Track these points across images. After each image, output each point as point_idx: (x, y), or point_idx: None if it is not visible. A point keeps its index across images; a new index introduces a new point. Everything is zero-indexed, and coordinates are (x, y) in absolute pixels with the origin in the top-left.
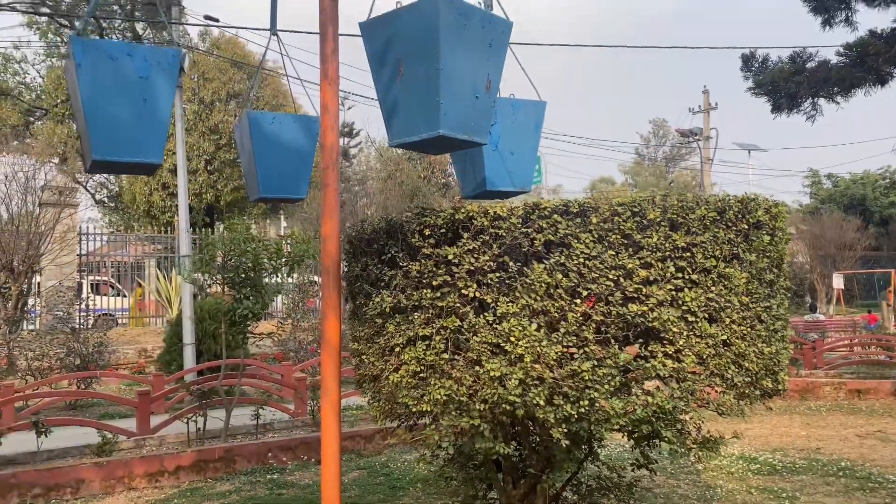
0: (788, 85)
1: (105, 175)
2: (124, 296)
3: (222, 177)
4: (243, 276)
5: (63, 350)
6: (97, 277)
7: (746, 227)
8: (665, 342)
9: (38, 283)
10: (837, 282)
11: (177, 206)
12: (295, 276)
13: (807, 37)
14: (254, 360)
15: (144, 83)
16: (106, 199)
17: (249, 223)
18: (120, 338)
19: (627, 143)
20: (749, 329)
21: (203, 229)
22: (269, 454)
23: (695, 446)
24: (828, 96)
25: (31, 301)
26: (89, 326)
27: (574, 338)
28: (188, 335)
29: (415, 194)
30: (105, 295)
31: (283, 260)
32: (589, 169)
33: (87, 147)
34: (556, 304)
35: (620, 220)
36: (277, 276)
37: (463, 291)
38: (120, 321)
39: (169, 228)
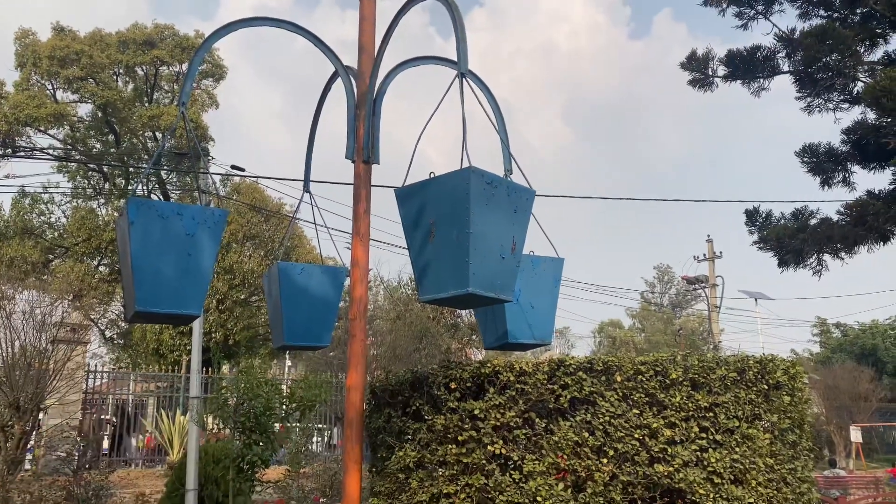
0: (793, 242)
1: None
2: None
3: (233, 316)
4: (254, 420)
5: (62, 493)
6: (99, 417)
7: (766, 387)
8: None
9: (40, 422)
10: (855, 435)
11: (186, 344)
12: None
13: (809, 190)
14: None
15: (191, 240)
16: (115, 337)
17: (264, 366)
18: (120, 481)
19: (632, 290)
20: (775, 492)
21: (218, 369)
22: None
23: None
24: (832, 253)
25: (32, 440)
26: (87, 467)
27: (601, 498)
28: (192, 480)
29: (424, 335)
30: (105, 434)
31: (295, 405)
32: (594, 312)
33: (131, 299)
34: (583, 463)
35: (644, 378)
36: (288, 422)
37: (489, 447)
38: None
39: (176, 367)
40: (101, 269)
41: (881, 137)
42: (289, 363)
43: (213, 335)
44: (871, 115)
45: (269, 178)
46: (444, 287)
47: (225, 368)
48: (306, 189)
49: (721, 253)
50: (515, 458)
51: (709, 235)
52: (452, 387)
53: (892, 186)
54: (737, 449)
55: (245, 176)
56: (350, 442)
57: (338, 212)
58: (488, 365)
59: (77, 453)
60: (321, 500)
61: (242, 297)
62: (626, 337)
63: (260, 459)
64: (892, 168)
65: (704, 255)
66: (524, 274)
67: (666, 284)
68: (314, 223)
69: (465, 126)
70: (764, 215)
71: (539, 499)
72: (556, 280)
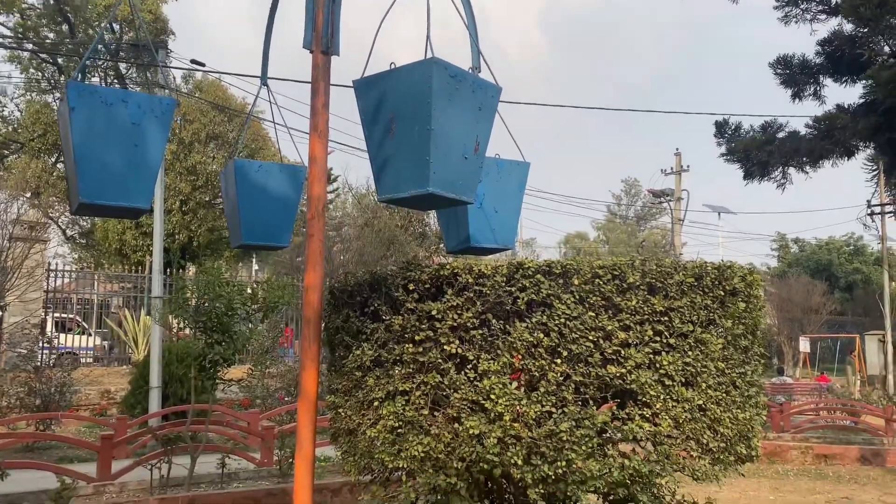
0: (760, 154)
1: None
2: (90, 334)
3: (197, 217)
4: (216, 320)
5: (24, 389)
6: (62, 315)
7: (723, 293)
8: (642, 405)
9: (1, 319)
10: (804, 345)
11: (149, 245)
12: (266, 321)
13: (780, 104)
14: (220, 407)
15: (137, 129)
16: (77, 236)
17: (223, 266)
18: (83, 378)
19: (600, 202)
20: (724, 394)
21: (178, 271)
22: None
23: None
24: (797, 166)
25: None
26: (52, 365)
27: (553, 397)
28: (155, 378)
29: (391, 243)
30: (70, 333)
31: (257, 306)
32: (562, 224)
33: (75, 189)
34: (537, 363)
35: (601, 282)
36: (251, 322)
37: (445, 347)
38: (84, 360)
39: (140, 268)
40: (60, 166)
41: (856, 48)
42: (255, 267)
43: (177, 236)
44: (847, 27)
45: (230, 73)
46: (404, 186)
47: (192, 271)
48: (263, 83)
49: (688, 167)
50: (471, 358)
51: (677, 149)
52: (411, 288)
53: (862, 100)
54: (689, 353)
55: (206, 71)
56: (307, 340)
57: (303, 112)
58: (447, 267)
59: (39, 351)
60: (285, 398)
61: (206, 198)
62: (591, 248)
63: (222, 358)
64: (864, 81)
65: (672, 168)
66: (488, 177)
67: (633, 197)
68: (273, 121)
69: (429, 13)
70: (733, 127)
71: (493, 396)
72: (520, 185)
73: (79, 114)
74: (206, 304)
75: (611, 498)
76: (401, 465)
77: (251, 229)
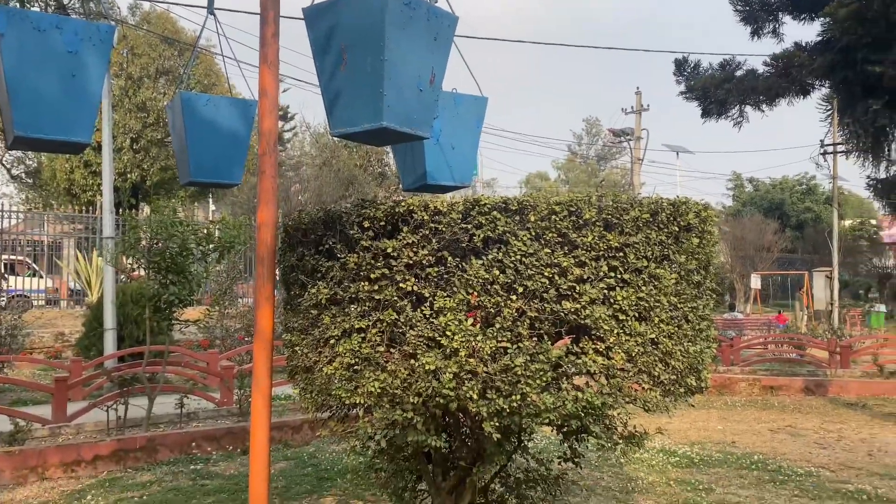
0: (718, 92)
1: (24, 150)
2: (41, 276)
3: (149, 156)
4: (169, 261)
5: None
6: (11, 258)
7: (677, 229)
8: (596, 339)
9: None
10: (755, 282)
11: (100, 184)
12: (224, 262)
13: (739, 44)
14: (178, 348)
15: (74, 58)
16: (23, 175)
17: (176, 206)
18: (36, 321)
19: (561, 140)
20: (676, 328)
21: (128, 210)
22: (194, 444)
23: (621, 441)
24: (754, 104)
25: None
26: (3, 307)
27: (509, 333)
28: (109, 320)
29: (350, 182)
30: (20, 275)
31: (213, 246)
32: (524, 164)
33: (9, 122)
34: (493, 300)
35: (557, 218)
36: (206, 262)
37: (401, 285)
38: (36, 303)
39: (90, 208)
40: None
41: None
42: (212, 207)
43: (129, 176)
44: None
45: (176, 3)
46: (357, 120)
47: (146, 211)
48: (210, 12)
49: (648, 106)
50: (427, 295)
51: (637, 88)
52: (366, 225)
53: (819, 38)
54: (643, 288)
55: (152, 1)
56: (262, 279)
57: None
58: (402, 204)
59: None
60: (245, 338)
61: (158, 136)
62: (551, 189)
63: (178, 299)
64: (822, 19)
65: (632, 107)
66: (445, 113)
67: (593, 137)
68: (222, 54)
69: None
70: (692, 66)
71: (448, 333)
72: (478, 120)
73: (9, 40)
74: (160, 245)
75: (564, 429)
76: (358, 402)
77: (200, 166)
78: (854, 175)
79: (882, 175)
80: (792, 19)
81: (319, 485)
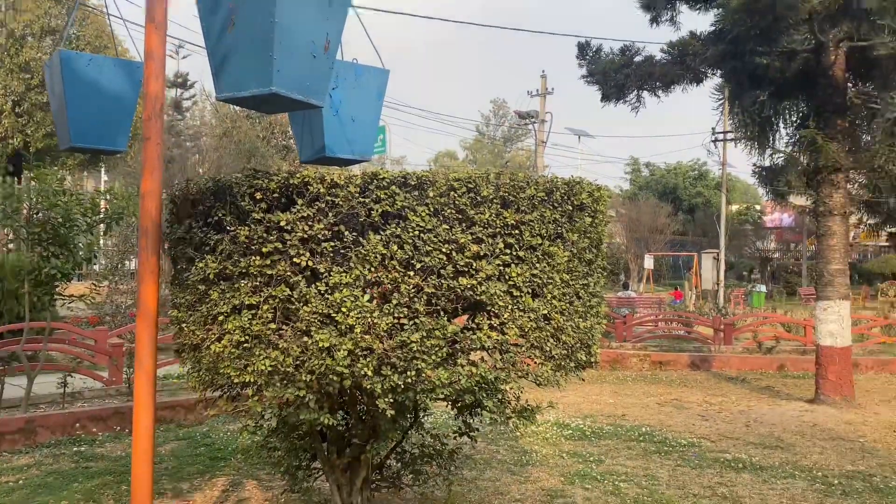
0: (617, 76)
1: None
2: None
3: (33, 121)
4: (52, 232)
5: None
6: None
7: (571, 208)
8: (491, 315)
9: None
10: (648, 262)
11: None
12: (112, 234)
13: (642, 31)
14: (63, 324)
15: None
16: None
17: (63, 174)
18: None
19: (469, 120)
20: (568, 305)
21: (6, 178)
22: (78, 425)
23: (513, 415)
24: (651, 90)
25: None
26: None
27: (406, 309)
28: None
29: (252, 155)
30: None
31: (99, 217)
32: (433, 142)
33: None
34: (390, 276)
35: (456, 195)
36: (92, 235)
37: (294, 260)
38: None
39: None
40: None
41: None
42: (105, 177)
43: (10, 141)
44: None
45: None
46: (245, 84)
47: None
48: None
49: (553, 89)
50: (322, 271)
51: (543, 71)
52: (258, 197)
53: (712, 28)
54: (537, 265)
55: None
56: (145, 252)
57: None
58: (298, 175)
59: None
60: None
61: (44, 100)
62: (459, 168)
63: (60, 273)
64: (716, 9)
65: (538, 90)
66: (345, 84)
67: (500, 119)
68: (107, 12)
69: None
70: (594, 50)
71: (344, 309)
72: (379, 93)
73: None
74: (40, 214)
75: (459, 404)
76: (248, 380)
77: (81, 130)
78: (742, 162)
79: (767, 163)
80: (689, 9)
81: (212, 464)
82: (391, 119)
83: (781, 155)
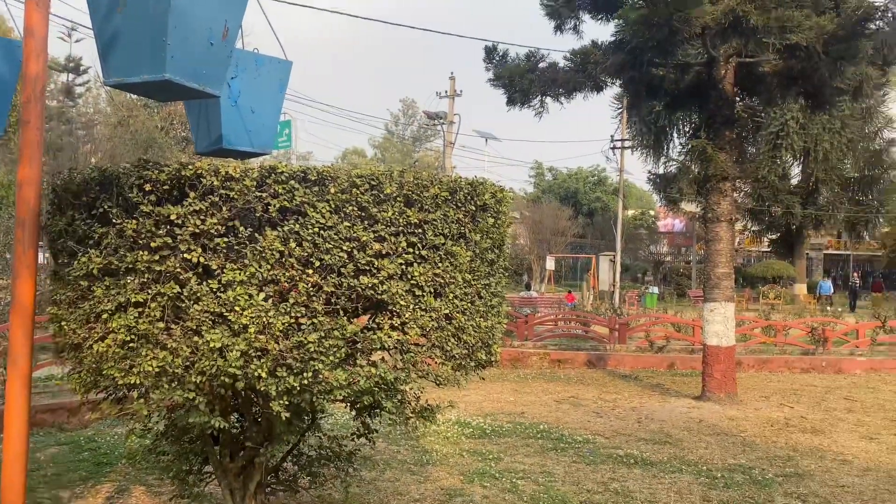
0: (522, 81)
1: None
2: None
3: None
4: None
5: None
6: None
7: (474, 208)
8: (392, 314)
9: None
10: (550, 263)
11: None
12: None
13: (548, 38)
14: None
15: None
16: None
17: None
18: None
19: (379, 119)
20: (470, 304)
21: None
22: None
23: (413, 415)
24: (554, 96)
25: None
26: None
27: (303, 308)
28: None
29: (150, 146)
30: None
31: None
32: (342, 139)
33: None
34: (288, 274)
35: (358, 192)
36: None
37: (185, 256)
38: None
39: None
40: None
41: None
42: None
43: None
44: None
45: None
46: (135, 69)
47: None
48: None
49: (461, 91)
50: (215, 268)
51: (452, 73)
52: (147, 189)
53: (613, 38)
54: (440, 264)
55: None
56: (21, 245)
57: None
58: (190, 167)
59: None
60: None
61: None
62: (367, 165)
63: None
64: (616, 20)
65: (447, 92)
66: (245, 74)
67: (410, 118)
68: None
69: None
70: (501, 54)
71: (237, 308)
72: (281, 85)
73: None
74: None
75: (357, 405)
76: (133, 382)
77: None
78: (638, 169)
79: (661, 170)
80: (591, 18)
81: (97, 470)
82: (299, 114)
83: (674, 163)
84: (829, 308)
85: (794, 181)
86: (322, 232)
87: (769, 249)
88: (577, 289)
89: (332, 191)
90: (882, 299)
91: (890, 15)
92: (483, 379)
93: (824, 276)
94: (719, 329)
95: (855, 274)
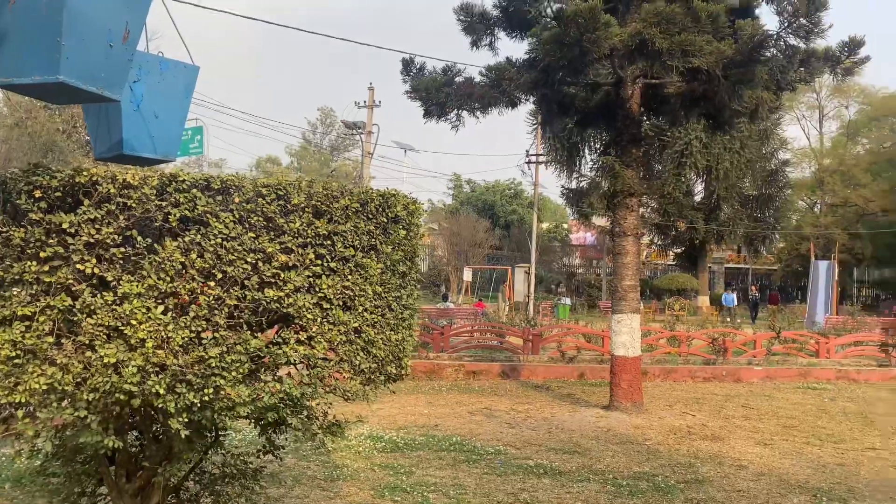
0: (439, 95)
1: None
2: None
3: None
4: None
5: None
6: None
7: (385, 220)
8: (299, 328)
9: None
10: (467, 275)
11: None
12: None
13: (468, 53)
14: None
15: None
16: None
17: None
18: None
19: (296, 127)
20: (380, 317)
21: None
22: None
23: (321, 431)
24: (470, 110)
25: None
26: None
27: (205, 322)
28: None
29: (50, 149)
30: None
31: None
32: (256, 147)
33: None
34: (188, 286)
35: (265, 202)
36: None
37: (78, 266)
38: None
39: None
40: None
41: (525, 6)
42: None
43: None
44: None
45: None
46: (27, 70)
47: None
48: None
49: (380, 102)
50: (111, 279)
51: (371, 83)
52: (38, 195)
53: (526, 56)
54: (349, 277)
55: None
56: None
57: None
58: (85, 173)
59: None
60: None
61: None
62: (283, 174)
63: None
64: (530, 39)
65: (365, 101)
66: (149, 78)
67: (328, 127)
68: None
69: None
70: (419, 67)
71: (134, 322)
72: (187, 90)
73: None
74: None
75: (262, 422)
76: (19, 400)
77: None
78: (553, 184)
79: (573, 185)
80: (507, 36)
81: None
82: (212, 120)
83: (586, 178)
84: (727, 320)
85: (698, 198)
86: (225, 243)
87: (675, 263)
88: (493, 300)
89: (237, 200)
90: (777, 311)
91: (782, 43)
92: (394, 393)
93: (727, 289)
94: (626, 340)
95: (754, 287)
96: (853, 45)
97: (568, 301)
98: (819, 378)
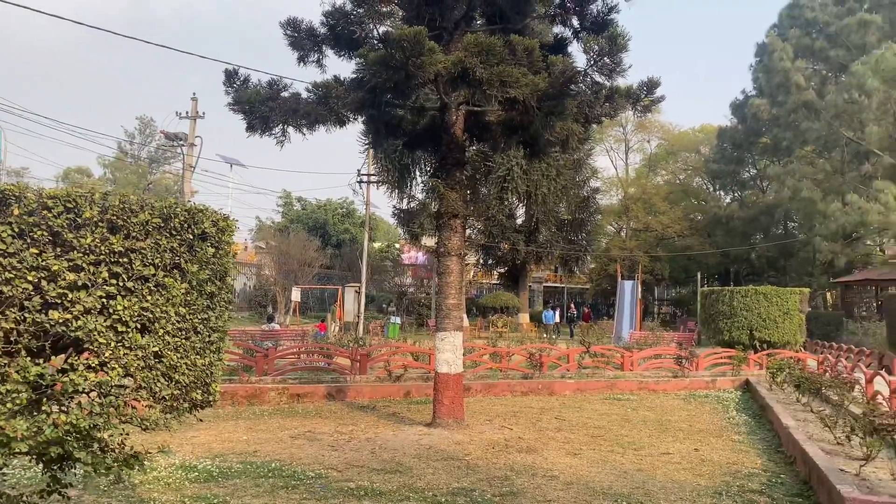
0: (263, 108)
1: None
2: None
3: None
4: None
5: None
6: None
7: (192, 237)
8: (90, 353)
9: None
10: (296, 294)
11: None
12: None
13: (293, 68)
14: None
15: None
16: None
17: None
18: None
19: (111, 136)
20: (184, 340)
21: None
22: None
23: (116, 465)
24: (296, 126)
25: None
26: None
27: None
28: None
29: None
30: None
31: None
32: (65, 156)
33: None
34: None
35: (50, 215)
36: None
37: None
38: None
39: None
40: None
41: (352, 26)
42: None
43: None
44: (348, 5)
45: None
46: None
47: None
48: None
49: (204, 114)
50: None
51: (194, 93)
52: None
53: (354, 76)
54: (149, 297)
55: None
56: None
57: None
58: None
59: None
60: None
61: None
62: (96, 187)
63: None
64: (357, 59)
65: (188, 112)
66: None
67: (147, 137)
68: None
69: None
70: (242, 78)
71: None
72: None
73: None
74: None
75: (45, 458)
76: None
77: None
78: (385, 204)
79: (405, 206)
80: (335, 54)
81: None
82: (10, 126)
83: (416, 200)
84: (545, 335)
85: (520, 221)
86: (2, 259)
87: (499, 282)
88: (325, 320)
89: (16, 212)
90: (588, 328)
91: (590, 80)
92: (200, 420)
93: (547, 307)
94: (449, 357)
95: (571, 305)
96: (651, 85)
97: (398, 320)
98: (623, 389)
